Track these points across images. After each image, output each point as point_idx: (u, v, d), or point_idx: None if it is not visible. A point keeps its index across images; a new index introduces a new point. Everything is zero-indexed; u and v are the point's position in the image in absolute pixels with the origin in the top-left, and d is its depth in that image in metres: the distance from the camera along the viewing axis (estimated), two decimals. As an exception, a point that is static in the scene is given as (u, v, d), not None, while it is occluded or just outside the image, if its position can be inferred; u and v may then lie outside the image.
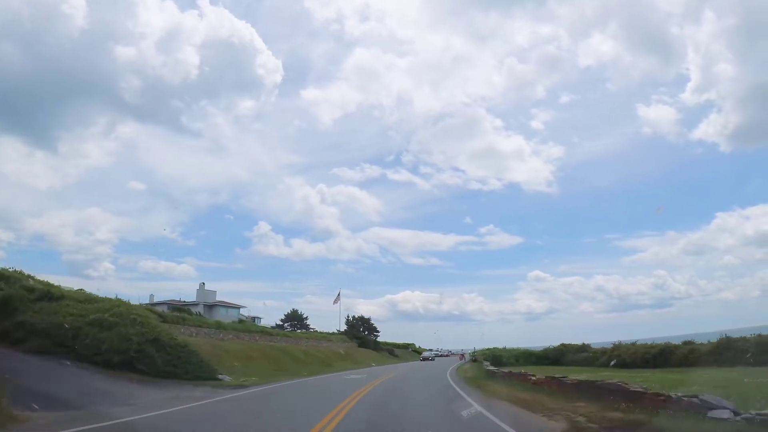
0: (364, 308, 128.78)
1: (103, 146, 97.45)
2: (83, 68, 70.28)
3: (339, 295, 64.80)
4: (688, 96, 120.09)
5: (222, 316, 44.12)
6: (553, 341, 36.36)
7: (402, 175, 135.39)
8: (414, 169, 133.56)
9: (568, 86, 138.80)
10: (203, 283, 49.34)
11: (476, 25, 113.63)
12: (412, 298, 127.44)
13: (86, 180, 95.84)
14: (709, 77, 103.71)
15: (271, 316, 78.50)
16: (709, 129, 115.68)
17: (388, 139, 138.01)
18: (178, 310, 35.03)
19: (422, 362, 51.76)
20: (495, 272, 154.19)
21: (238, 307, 53.32)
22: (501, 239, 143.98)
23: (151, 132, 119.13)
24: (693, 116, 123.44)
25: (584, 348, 36.00)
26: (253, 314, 55.81)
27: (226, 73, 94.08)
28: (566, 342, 37.27)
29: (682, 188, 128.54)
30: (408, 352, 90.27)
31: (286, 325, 63.40)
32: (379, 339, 68.86)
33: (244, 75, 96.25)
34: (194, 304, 44.96)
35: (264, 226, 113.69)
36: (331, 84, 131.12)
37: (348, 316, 62.63)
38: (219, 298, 50.15)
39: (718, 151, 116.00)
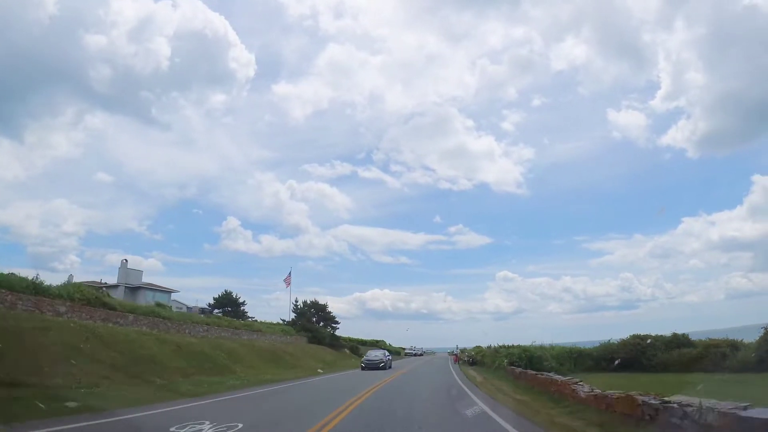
0: (332, 306, 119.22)
1: (71, 137, 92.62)
2: (52, 56, 67.77)
3: (290, 275, 48.47)
4: (657, 103, 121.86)
5: (149, 301, 34.87)
6: (523, 340, 27.60)
7: (372, 173, 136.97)
8: (384, 167, 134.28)
9: (540, 89, 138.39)
10: (125, 260, 37.70)
11: (450, 24, 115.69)
12: (381, 297, 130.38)
13: (53, 171, 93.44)
14: (679, 85, 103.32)
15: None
16: (677, 135, 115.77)
17: (359, 136, 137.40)
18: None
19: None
20: (464, 272, 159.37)
21: (168, 292, 42.77)
22: (470, 239, 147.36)
23: (119, 123, 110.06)
24: (662, 122, 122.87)
25: (684, 341, 21.27)
26: (192, 303, 45.02)
27: (198, 65, 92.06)
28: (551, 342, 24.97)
29: (649, 192, 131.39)
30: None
31: (216, 311, 46.60)
32: (339, 333, 52.66)
33: (216, 68, 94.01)
34: (114, 287, 36.85)
35: (233, 222, 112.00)
36: (304, 80, 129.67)
37: (296, 301, 46.08)
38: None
39: (686, 157, 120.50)
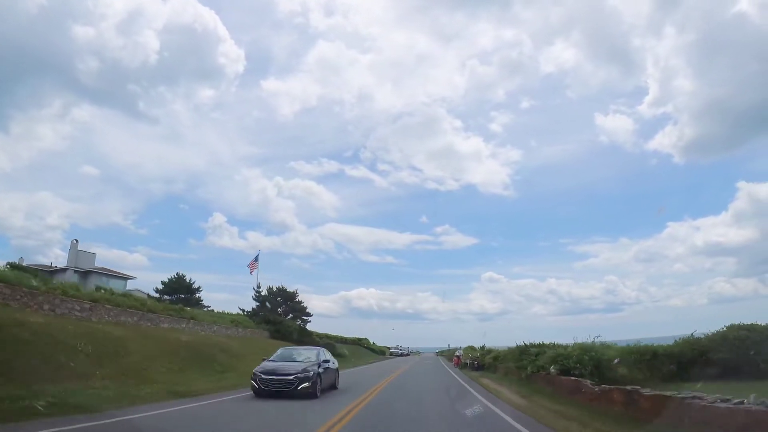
0: (317, 304, 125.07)
1: (58, 129, 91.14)
2: (40, 46, 66.03)
3: (256, 259, 39.84)
4: (645, 108, 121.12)
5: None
6: (507, 342, 25.14)
7: (360, 172, 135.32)
8: (372, 166, 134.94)
9: (529, 91, 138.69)
10: (76, 241, 30.75)
11: (441, 25, 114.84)
12: (367, 296, 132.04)
13: (39, 163, 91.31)
14: (666, 91, 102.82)
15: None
16: (664, 140, 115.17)
17: (347, 134, 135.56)
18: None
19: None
20: (449, 272, 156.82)
21: (124, 278, 37.48)
22: (456, 239, 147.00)
23: (107, 116, 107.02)
24: (649, 127, 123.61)
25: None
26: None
27: (187, 60, 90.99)
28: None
29: (635, 197, 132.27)
30: (360, 349, 66.10)
31: (165, 297, 38.27)
32: (314, 328, 44.09)
33: (205, 63, 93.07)
34: (63, 270, 32.19)
35: (219, 218, 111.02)
36: (293, 77, 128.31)
37: (259, 287, 37.35)
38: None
39: (672, 163, 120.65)
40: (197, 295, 40.71)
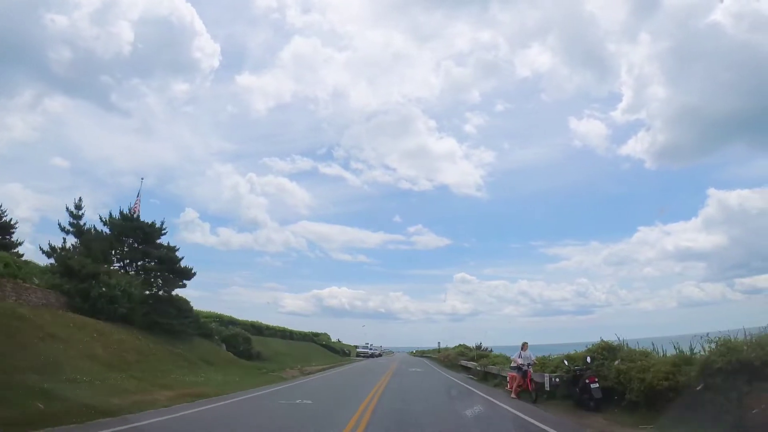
0: (290, 303, 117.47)
1: (28, 119, 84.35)
2: (10, 33, 58.39)
3: (138, 197, 20.85)
4: (618, 114, 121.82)
5: None
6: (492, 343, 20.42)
7: (333, 169, 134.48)
8: (345, 164, 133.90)
9: (504, 94, 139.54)
10: None
11: (419, 24, 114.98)
12: (339, 294, 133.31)
13: (8, 154, 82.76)
14: (640, 97, 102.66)
15: None
16: (636, 146, 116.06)
17: (321, 132, 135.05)
18: None
19: None
20: (422, 272, 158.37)
21: None
22: (429, 240, 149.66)
23: (78, 107, 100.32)
24: (622, 133, 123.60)
25: None
26: None
27: (162, 52, 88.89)
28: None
29: (607, 201, 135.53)
30: (312, 348, 46.97)
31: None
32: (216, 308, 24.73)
33: (180, 56, 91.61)
34: None
35: (191, 213, 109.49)
36: (268, 72, 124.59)
37: (78, 206, 17.76)
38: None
39: (644, 168, 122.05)
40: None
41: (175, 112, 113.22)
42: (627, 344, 10.82)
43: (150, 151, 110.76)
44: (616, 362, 9.61)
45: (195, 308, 22.47)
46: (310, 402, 9.87)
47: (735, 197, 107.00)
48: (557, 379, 10.78)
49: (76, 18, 79.25)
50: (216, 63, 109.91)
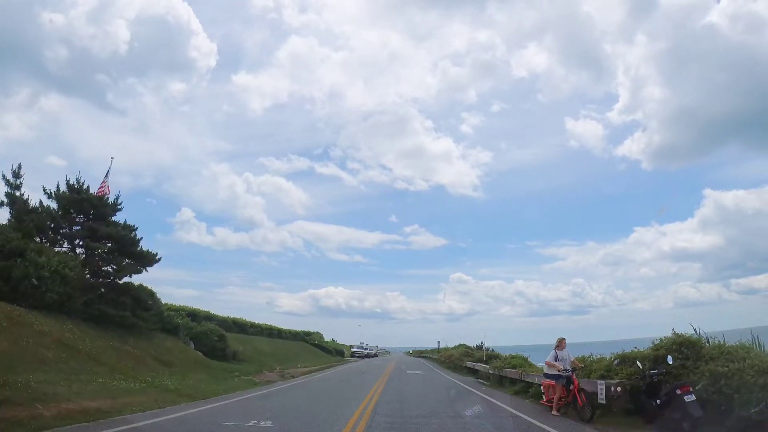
0: (286, 302, 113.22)
1: (24, 118, 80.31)
2: (7, 32, 53.46)
3: (107, 175, 17.70)
4: (615, 115, 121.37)
5: None
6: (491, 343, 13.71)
7: (329, 169, 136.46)
8: (342, 164, 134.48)
9: (500, 94, 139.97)
10: None
11: (415, 24, 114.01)
12: (335, 294, 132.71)
13: (3, 152, 69.19)
14: (637, 98, 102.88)
15: None
16: (633, 147, 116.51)
17: (317, 132, 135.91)
18: None
19: None
20: (418, 272, 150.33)
21: None
22: (425, 240, 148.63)
23: (75, 106, 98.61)
24: (619, 133, 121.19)
25: None
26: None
27: (159, 52, 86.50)
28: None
29: (603, 201, 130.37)
30: (305, 348, 43.91)
31: None
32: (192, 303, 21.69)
33: (177, 56, 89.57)
34: None
35: (187, 213, 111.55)
36: (264, 72, 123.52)
37: (17, 174, 14.68)
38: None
39: (640, 168, 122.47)
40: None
41: (171, 111, 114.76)
42: (708, 338, 7.97)
43: (146, 150, 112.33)
44: (708, 364, 6.70)
45: (188, 304, 19.36)
46: (269, 425, 6.78)
47: (731, 198, 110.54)
48: (618, 389, 7.78)
49: (73, 16, 79.78)
50: (212, 62, 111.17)
